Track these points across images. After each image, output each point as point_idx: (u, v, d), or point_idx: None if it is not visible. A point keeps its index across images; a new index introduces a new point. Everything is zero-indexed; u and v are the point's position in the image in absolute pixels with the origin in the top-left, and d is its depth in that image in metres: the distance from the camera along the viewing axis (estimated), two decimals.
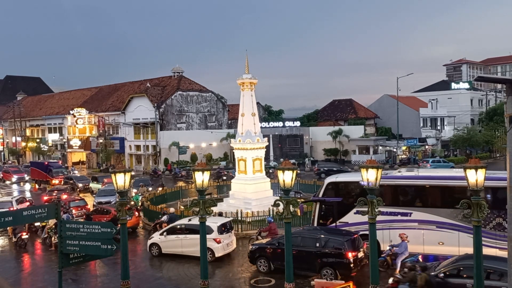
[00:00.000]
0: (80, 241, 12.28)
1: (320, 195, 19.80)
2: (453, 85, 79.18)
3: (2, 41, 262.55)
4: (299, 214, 22.81)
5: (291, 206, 12.96)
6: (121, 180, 13.26)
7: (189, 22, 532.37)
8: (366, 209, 12.44)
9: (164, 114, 59.78)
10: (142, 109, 60.51)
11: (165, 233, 20.35)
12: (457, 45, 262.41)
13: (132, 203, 26.92)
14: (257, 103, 45.86)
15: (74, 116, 67.85)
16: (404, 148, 58.38)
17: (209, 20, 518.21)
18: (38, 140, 78.09)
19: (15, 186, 47.82)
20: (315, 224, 19.63)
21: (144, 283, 16.97)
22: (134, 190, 32.87)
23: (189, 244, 19.28)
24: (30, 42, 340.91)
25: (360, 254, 16.23)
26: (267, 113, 77.42)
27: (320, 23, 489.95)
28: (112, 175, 13.45)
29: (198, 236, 18.94)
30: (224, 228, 19.53)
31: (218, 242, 18.94)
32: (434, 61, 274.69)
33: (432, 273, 13.80)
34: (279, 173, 12.96)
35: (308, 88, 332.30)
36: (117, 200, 13.79)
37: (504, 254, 14.93)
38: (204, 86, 65.89)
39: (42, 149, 74.72)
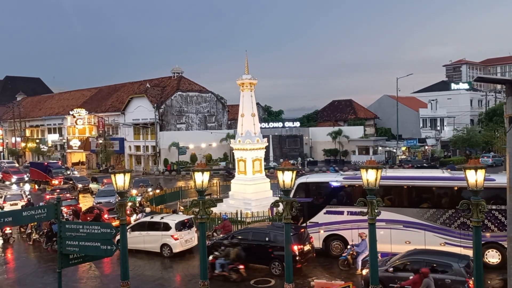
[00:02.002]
0: (79, 242, 12.27)
1: (291, 195, 19.87)
2: (453, 86, 79.19)
3: (1, 41, 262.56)
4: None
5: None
6: (120, 180, 13.28)
7: (189, 22, 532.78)
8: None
9: (163, 115, 59.80)
10: (141, 109, 60.52)
11: (129, 230, 20.85)
12: (456, 45, 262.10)
13: (130, 203, 26.94)
14: (257, 103, 45.78)
15: (74, 117, 67.86)
16: (403, 148, 58.47)
17: (209, 20, 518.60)
18: (37, 141, 78.02)
19: (14, 187, 47.76)
20: None
21: (144, 283, 16.96)
22: (134, 191, 32.86)
23: (150, 240, 20.30)
24: (30, 43, 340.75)
25: (307, 248, 16.75)
26: (267, 114, 77.43)
27: (319, 23, 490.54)
28: (112, 176, 13.49)
29: (158, 232, 20.30)
30: (182, 226, 20.32)
31: (176, 239, 19.82)
32: (434, 61, 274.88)
33: (382, 268, 14.32)
34: (279, 173, 12.98)
35: (308, 89, 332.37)
36: (117, 200, 13.81)
37: (468, 252, 15.25)
38: (203, 86, 65.96)
39: (42, 149, 74.61)
